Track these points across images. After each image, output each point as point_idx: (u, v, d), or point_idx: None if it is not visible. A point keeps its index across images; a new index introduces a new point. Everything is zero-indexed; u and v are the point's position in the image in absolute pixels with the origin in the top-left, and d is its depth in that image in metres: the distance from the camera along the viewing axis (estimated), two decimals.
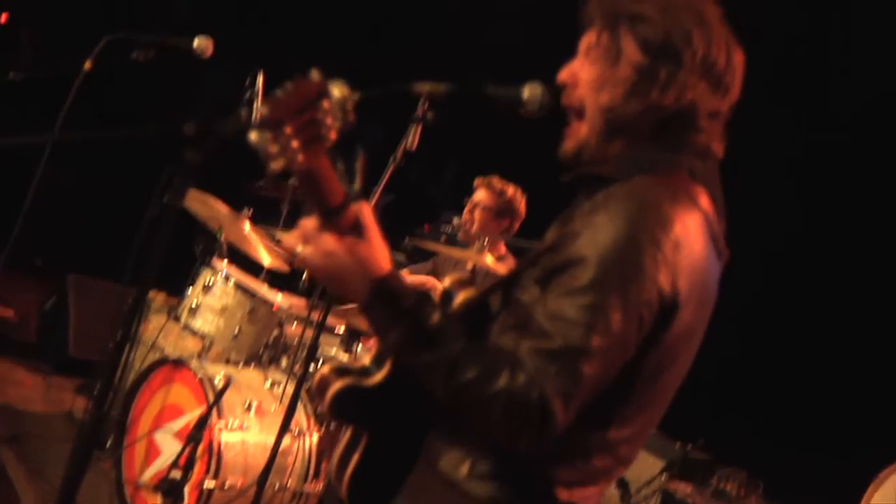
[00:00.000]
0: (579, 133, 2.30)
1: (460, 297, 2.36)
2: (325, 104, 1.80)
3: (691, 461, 6.78)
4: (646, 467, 6.46)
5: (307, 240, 2.09)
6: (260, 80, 4.67)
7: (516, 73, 2.46)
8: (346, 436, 2.34)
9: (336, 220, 2.05)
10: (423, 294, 2.13)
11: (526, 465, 2.12)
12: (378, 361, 2.30)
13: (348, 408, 2.27)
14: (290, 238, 2.12)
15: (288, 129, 1.78)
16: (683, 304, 2.09)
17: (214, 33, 3.97)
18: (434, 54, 8.06)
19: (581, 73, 2.31)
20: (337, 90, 1.85)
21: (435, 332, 2.06)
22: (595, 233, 2.03)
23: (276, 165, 1.83)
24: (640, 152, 2.24)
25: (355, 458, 2.27)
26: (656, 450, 6.67)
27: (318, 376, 2.30)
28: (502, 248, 5.97)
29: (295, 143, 1.80)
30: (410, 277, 6.39)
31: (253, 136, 1.80)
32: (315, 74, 1.79)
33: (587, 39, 2.32)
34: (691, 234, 2.11)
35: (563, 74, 2.34)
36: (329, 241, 2.07)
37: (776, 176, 7.93)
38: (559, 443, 2.04)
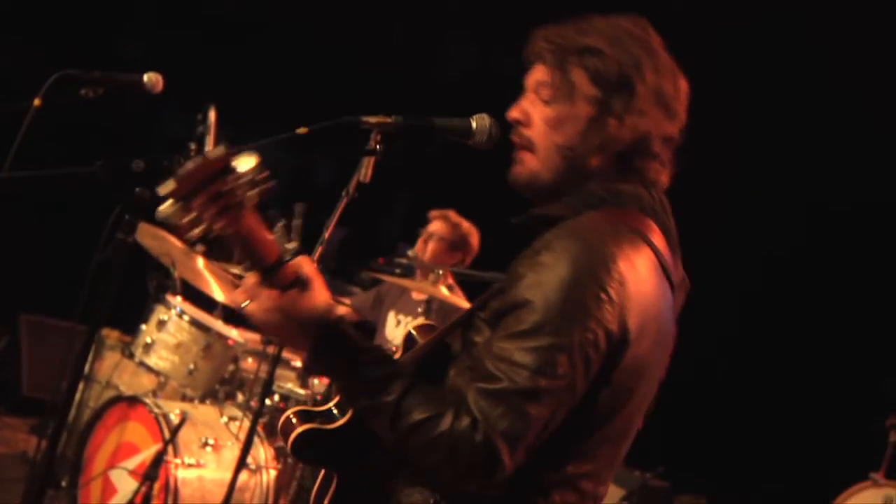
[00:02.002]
0: (530, 163, 2.28)
1: (422, 341, 2.37)
2: (233, 176, 1.87)
3: (651, 489, 6.80)
4: (606, 497, 6.46)
5: (250, 296, 2.12)
6: (212, 115, 4.65)
7: (466, 105, 2.47)
8: (320, 476, 2.36)
9: (274, 276, 2.09)
10: (367, 343, 2.15)
11: None
12: (341, 406, 2.31)
13: (311, 451, 2.29)
14: (236, 294, 2.15)
15: (198, 201, 1.86)
16: (634, 339, 2.09)
17: (166, 69, 3.96)
18: (386, 89, 8.09)
19: (533, 112, 2.29)
20: (245, 161, 1.91)
21: (378, 378, 2.08)
22: (539, 275, 2.04)
23: (191, 235, 1.90)
24: (588, 189, 2.24)
25: (327, 498, 2.28)
26: (616, 478, 6.66)
27: (282, 419, 2.32)
28: (450, 278, 5.97)
29: (210, 212, 1.88)
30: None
31: (161, 209, 1.89)
32: (217, 150, 1.85)
33: (535, 76, 2.30)
34: (639, 270, 2.11)
35: (514, 112, 2.32)
36: (270, 297, 2.10)
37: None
38: (515, 481, 2.04)
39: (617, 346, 2.07)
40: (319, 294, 2.14)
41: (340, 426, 2.26)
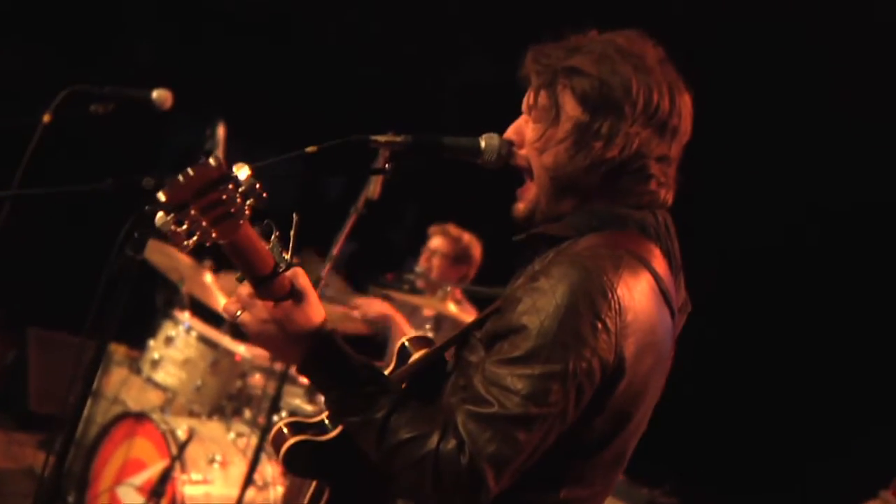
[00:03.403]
0: (530, 194, 2.29)
1: (416, 355, 2.36)
2: (230, 185, 1.85)
3: None
4: None
5: (244, 306, 2.12)
6: (220, 130, 4.66)
7: (477, 120, 2.46)
8: (311, 487, 2.36)
9: (268, 287, 2.09)
10: (357, 359, 2.15)
11: None
12: (333, 418, 2.30)
13: (302, 462, 2.29)
14: (230, 304, 2.15)
15: (193, 211, 1.84)
16: (630, 368, 2.09)
17: (176, 83, 3.97)
18: (395, 104, 8.09)
19: (526, 132, 2.30)
20: (240, 171, 1.90)
21: (368, 394, 2.08)
22: (536, 300, 2.04)
23: (187, 243, 1.88)
24: (590, 209, 2.24)
25: None
26: (623, 495, 6.66)
27: (273, 430, 2.32)
28: (458, 293, 5.96)
29: (205, 222, 1.86)
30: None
31: (157, 219, 1.86)
32: (213, 160, 1.84)
33: (528, 97, 2.31)
34: (638, 297, 2.10)
35: (510, 133, 2.33)
36: (264, 308, 2.10)
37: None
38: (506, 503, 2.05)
39: (612, 376, 2.07)
40: (313, 307, 2.13)
41: (332, 438, 2.26)
